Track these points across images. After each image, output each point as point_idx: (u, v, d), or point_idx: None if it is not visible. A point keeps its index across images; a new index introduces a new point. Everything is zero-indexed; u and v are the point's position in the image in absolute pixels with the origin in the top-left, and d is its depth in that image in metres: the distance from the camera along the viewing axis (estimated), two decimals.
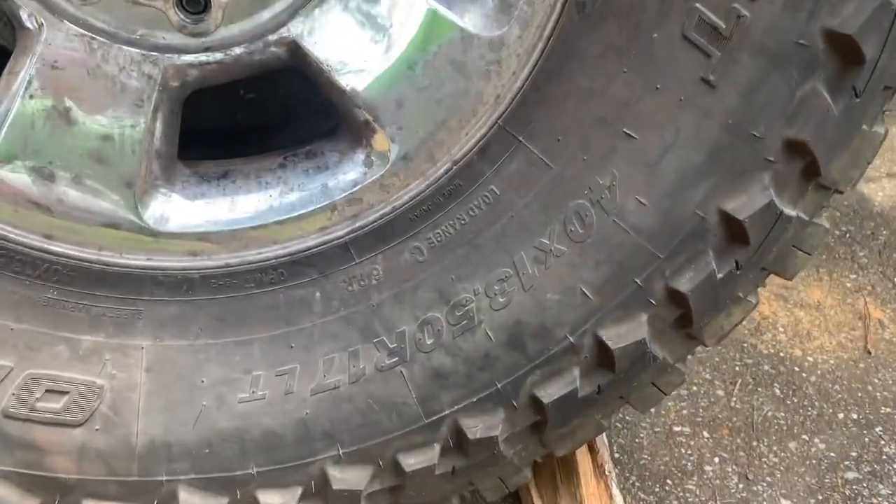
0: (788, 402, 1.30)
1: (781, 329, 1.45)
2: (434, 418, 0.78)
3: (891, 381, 1.35)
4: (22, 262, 0.70)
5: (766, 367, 1.37)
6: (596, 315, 0.76)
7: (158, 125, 0.71)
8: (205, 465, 0.75)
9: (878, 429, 1.25)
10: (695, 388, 1.31)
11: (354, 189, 0.75)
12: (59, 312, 0.71)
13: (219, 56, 0.71)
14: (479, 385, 0.77)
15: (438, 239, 0.75)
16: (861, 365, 1.39)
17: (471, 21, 0.71)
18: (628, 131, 0.70)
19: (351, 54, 0.71)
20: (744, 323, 1.45)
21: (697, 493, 1.13)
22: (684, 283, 0.75)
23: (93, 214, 0.70)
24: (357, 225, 0.75)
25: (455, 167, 0.73)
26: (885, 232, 1.77)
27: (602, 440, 1.02)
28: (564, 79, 0.70)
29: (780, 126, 0.69)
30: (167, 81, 0.71)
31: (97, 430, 0.72)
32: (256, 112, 0.96)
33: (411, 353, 0.76)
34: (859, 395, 1.32)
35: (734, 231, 0.73)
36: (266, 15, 0.70)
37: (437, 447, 0.79)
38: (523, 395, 0.78)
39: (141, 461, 0.73)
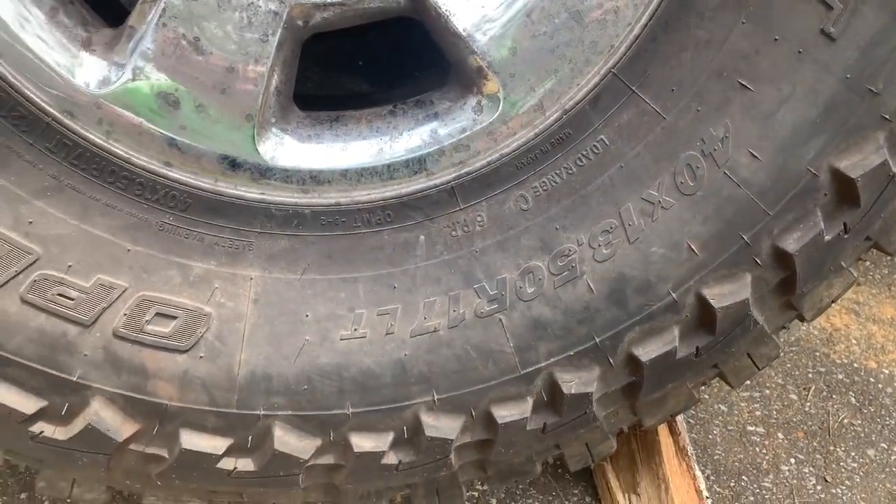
0: (864, 411, 1.27)
1: (854, 341, 1.42)
2: (530, 370, 0.77)
3: None
4: (142, 185, 0.72)
5: (840, 377, 1.33)
6: (700, 272, 0.75)
7: (280, 63, 0.73)
8: (302, 401, 0.75)
9: None
10: (767, 391, 1.28)
11: (462, 136, 0.76)
12: (174, 238, 0.73)
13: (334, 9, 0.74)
14: (577, 338, 0.77)
15: (544, 188, 0.76)
16: None
17: None
18: (744, 83, 0.71)
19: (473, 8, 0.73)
20: (815, 333, 1.42)
21: (774, 490, 1.10)
22: (791, 244, 0.74)
23: (212, 144, 0.72)
24: (463, 171, 0.76)
25: (565, 116, 0.74)
26: None
27: (681, 422, 1.00)
28: (682, 29, 0.71)
29: None
30: (292, 20, 0.73)
31: (201, 357, 0.73)
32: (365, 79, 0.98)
33: (511, 301, 0.76)
34: None
35: (845, 191, 0.72)
36: None
37: (530, 401, 0.78)
38: (621, 353, 0.77)
39: (241, 393, 0.74)
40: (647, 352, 0.77)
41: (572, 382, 0.77)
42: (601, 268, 0.76)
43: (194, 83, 0.71)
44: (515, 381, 0.77)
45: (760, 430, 1.20)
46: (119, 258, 0.71)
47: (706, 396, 1.22)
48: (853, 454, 1.18)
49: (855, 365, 1.37)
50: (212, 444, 0.75)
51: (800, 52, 0.69)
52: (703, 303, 0.76)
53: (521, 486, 1.02)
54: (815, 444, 1.19)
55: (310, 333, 0.75)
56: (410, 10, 0.74)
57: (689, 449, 0.97)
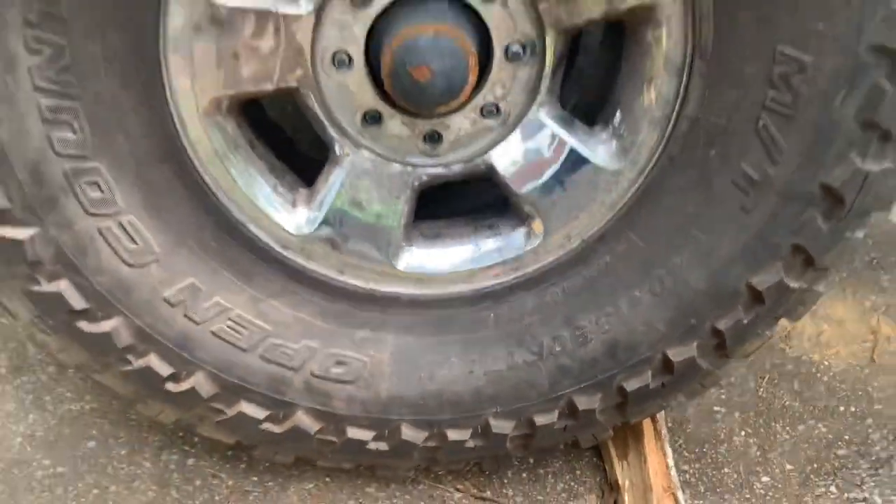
0: (803, 395, 1.73)
1: (807, 338, 1.87)
2: (557, 394, 1.25)
3: (886, 385, 1.76)
4: (327, 286, 1.19)
5: (790, 367, 1.79)
6: (665, 340, 1.21)
7: (406, 208, 1.19)
8: (418, 411, 1.25)
9: (868, 420, 1.67)
10: (733, 379, 1.75)
11: (518, 252, 1.22)
12: (346, 318, 1.21)
13: (443, 169, 1.18)
14: (587, 377, 1.24)
15: (569, 287, 1.22)
16: (866, 370, 1.80)
17: (600, 157, 1.16)
18: (695, 232, 1.15)
19: (524, 173, 1.17)
20: (778, 330, 1.87)
21: (726, 455, 1.58)
22: (723, 325, 1.19)
23: (368, 261, 1.19)
24: (517, 275, 1.22)
25: (583, 245, 1.19)
26: None
27: (660, 415, 1.48)
28: (656, 198, 1.15)
29: (789, 235, 1.12)
30: (414, 182, 1.18)
31: (361, 386, 1.23)
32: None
33: (546, 355, 1.23)
34: (859, 393, 1.73)
35: (756, 296, 1.17)
36: (475, 148, 1.17)
37: (556, 412, 1.26)
38: (614, 386, 1.25)
39: (384, 406, 1.24)
40: (631, 385, 1.24)
41: (583, 402, 1.26)
42: (603, 336, 1.22)
43: (356, 227, 1.18)
44: (548, 402, 1.26)
45: (723, 410, 1.68)
46: (315, 330, 1.20)
47: None
48: (787, 429, 1.65)
49: (803, 358, 1.82)
50: (364, 434, 1.26)
51: (726, 217, 1.13)
52: (666, 358, 1.22)
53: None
54: (760, 421, 1.66)
55: (423, 372, 1.23)
56: (488, 174, 1.19)
57: (664, 433, 1.45)
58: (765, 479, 1.54)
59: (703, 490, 1.50)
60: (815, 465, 1.57)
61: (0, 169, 0.98)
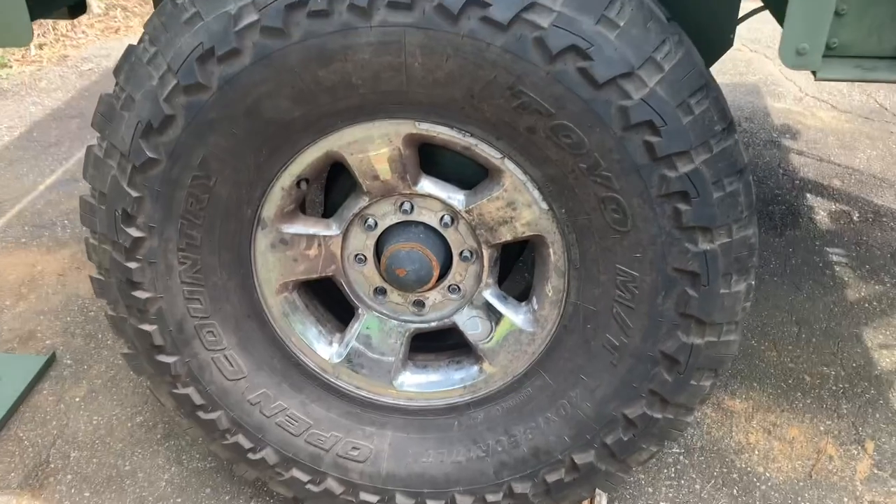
0: (739, 500, 2.17)
1: (757, 452, 2.31)
2: (501, 481, 1.83)
3: (816, 498, 2.17)
4: (348, 397, 1.86)
5: (734, 475, 2.24)
6: (571, 448, 1.77)
7: (402, 349, 1.84)
8: (407, 485, 1.86)
9: None
10: (683, 480, 2.22)
11: (472, 382, 1.83)
12: (359, 418, 1.86)
13: (425, 325, 1.83)
14: (520, 469, 1.81)
15: (506, 406, 1.81)
16: (801, 484, 2.21)
17: (520, 322, 1.76)
18: (583, 376, 1.71)
19: (478, 334, 1.79)
20: (733, 446, 2.31)
21: None
22: (609, 440, 1.74)
23: (376, 382, 1.85)
24: (473, 396, 1.83)
25: (514, 379, 1.79)
26: (872, 391, 2.51)
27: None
28: (557, 352, 1.73)
29: (646, 383, 1.66)
30: (406, 332, 1.83)
31: (368, 464, 1.86)
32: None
33: (496, 449, 1.82)
34: (789, 502, 2.16)
35: (629, 422, 1.71)
36: (445, 312, 1.81)
37: (500, 494, 1.84)
38: (539, 477, 1.81)
39: (384, 479, 1.86)
40: (550, 478, 1.80)
41: (519, 487, 1.82)
42: (529, 442, 1.79)
43: (367, 360, 1.84)
44: (494, 485, 1.83)
45: None
46: (340, 425, 1.86)
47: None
48: None
49: (748, 468, 2.26)
50: (372, 498, 1.89)
51: (602, 368, 1.69)
52: (573, 461, 1.77)
53: None
54: None
55: (410, 458, 1.85)
56: (453, 329, 1.82)
57: None
58: None
59: None
60: None
61: (161, 325, 1.74)
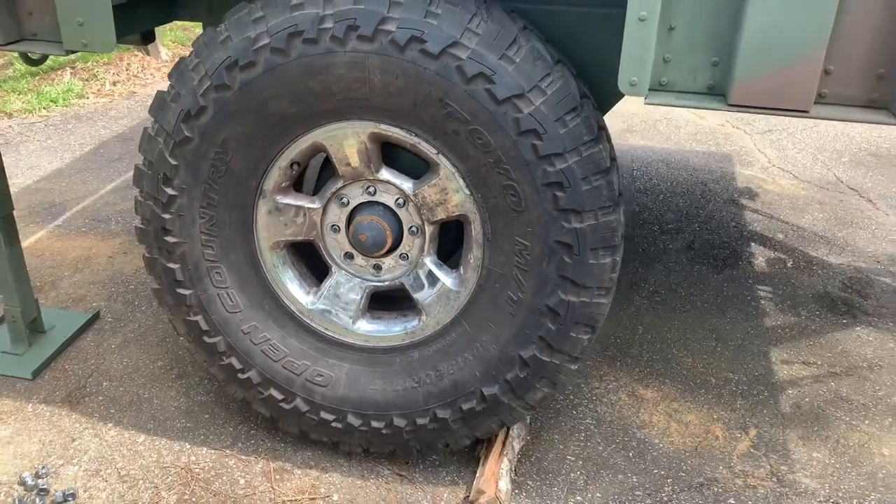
0: (632, 460, 2.65)
1: (656, 429, 2.79)
2: (427, 407, 2.36)
3: (696, 465, 2.64)
4: (318, 335, 2.42)
5: (633, 443, 2.72)
6: (481, 382, 2.30)
7: (362, 302, 2.41)
8: (357, 407, 2.40)
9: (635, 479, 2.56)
10: (590, 443, 2.71)
11: (413, 329, 2.38)
12: (325, 352, 2.42)
13: (382, 283, 2.40)
14: (443, 398, 2.34)
15: (436, 348, 2.35)
16: (686, 453, 2.68)
17: (450, 283, 2.32)
18: (491, 325, 2.26)
19: (420, 293, 2.36)
20: (637, 422, 2.81)
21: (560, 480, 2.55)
22: (509, 377, 2.26)
23: (341, 325, 2.41)
24: (412, 340, 2.38)
25: (443, 327, 2.34)
26: (766, 394, 2.98)
27: (511, 440, 2.50)
28: (475, 306, 2.28)
29: (536, 329, 2.20)
30: (366, 289, 2.41)
31: (329, 388, 2.41)
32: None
33: (426, 381, 2.36)
34: (673, 466, 2.63)
35: (524, 362, 2.24)
36: (396, 275, 2.38)
37: (427, 419, 2.36)
38: (457, 406, 2.33)
39: (340, 401, 2.41)
40: (465, 406, 2.32)
41: (441, 413, 2.35)
42: (451, 376, 2.33)
43: (335, 307, 2.41)
44: (423, 410, 2.36)
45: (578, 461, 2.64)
46: (310, 356, 2.42)
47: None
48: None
49: (646, 441, 2.74)
50: (330, 417, 2.43)
51: (505, 318, 2.23)
52: (482, 393, 2.30)
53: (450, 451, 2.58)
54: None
55: (360, 385, 2.39)
56: (405, 288, 2.39)
57: (507, 451, 2.47)
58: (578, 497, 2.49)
59: (530, 494, 2.49)
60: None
61: (182, 264, 2.34)
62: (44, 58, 2.85)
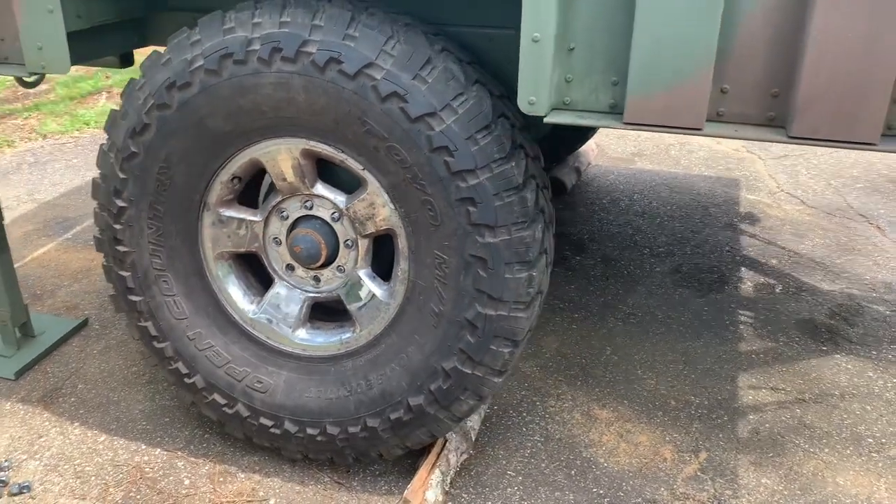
0: (574, 478, 2.65)
1: (604, 449, 2.79)
2: (358, 416, 2.43)
3: (636, 485, 2.62)
4: (259, 343, 2.52)
5: (578, 462, 2.72)
6: (407, 392, 2.35)
7: (302, 313, 2.51)
8: (294, 414, 2.49)
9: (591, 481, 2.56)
10: (534, 460, 2.72)
11: (348, 338, 2.46)
12: (265, 359, 2.52)
13: (320, 294, 2.50)
14: (372, 407, 2.41)
15: (367, 358, 2.42)
16: (629, 473, 2.67)
17: (382, 295, 2.39)
18: (415, 336, 2.32)
19: (355, 304, 2.44)
20: (586, 441, 2.82)
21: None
22: (433, 387, 2.31)
23: (280, 334, 2.51)
24: (345, 350, 2.46)
25: (374, 338, 2.41)
26: (725, 418, 2.94)
27: (447, 451, 2.54)
28: (402, 318, 2.35)
29: (456, 342, 2.25)
30: (307, 300, 2.50)
31: (268, 395, 2.51)
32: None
33: (357, 390, 2.43)
34: (613, 486, 2.62)
35: (446, 374, 2.29)
36: (333, 286, 2.47)
37: (359, 427, 2.43)
38: (385, 416, 2.39)
39: (278, 408, 2.50)
40: (393, 416, 2.38)
41: (371, 422, 2.41)
42: (379, 386, 2.39)
43: (276, 317, 2.52)
44: (354, 419, 2.43)
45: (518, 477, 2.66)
46: (251, 363, 2.52)
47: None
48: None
49: (591, 460, 2.74)
50: (268, 423, 2.52)
51: (428, 330, 2.29)
52: (408, 403, 2.36)
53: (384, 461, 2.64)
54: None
55: (296, 393, 2.48)
56: (340, 300, 2.48)
57: (438, 461, 2.51)
58: None
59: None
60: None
61: (132, 272, 2.49)
62: (38, 80, 3.05)
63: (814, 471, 2.69)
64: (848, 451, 2.77)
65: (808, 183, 5.15)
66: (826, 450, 2.78)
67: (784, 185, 5.09)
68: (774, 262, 4.11)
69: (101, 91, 6.56)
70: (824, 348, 3.38)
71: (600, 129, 5.91)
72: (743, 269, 4.03)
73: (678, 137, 5.92)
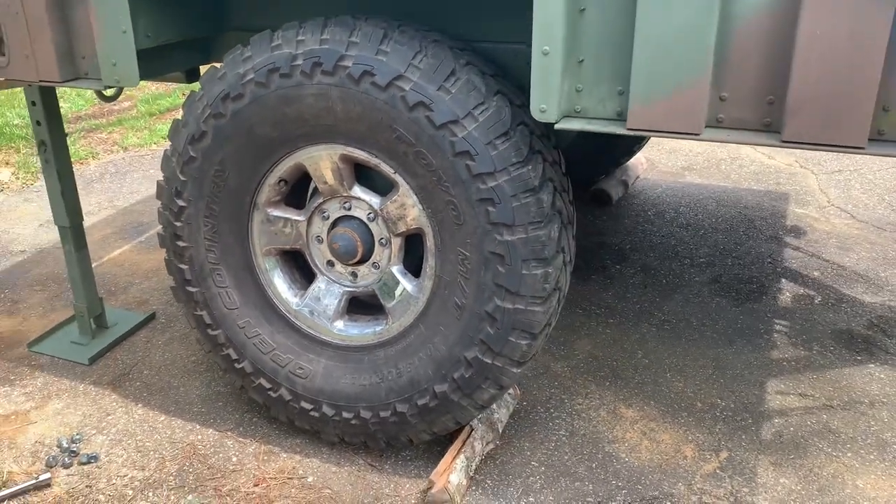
0: (594, 471, 2.77)
1: (626, 445, 2.90)
2: (388, 401, 2.62)
3: (655, 480, 2.73)
4: (301, 332, 2.75)
5: (599, 456, 2.84)
6: (433, 380, 2.53)
7: (341, 306, 2.72)
8: (331, 398, 2.70)
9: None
10: (557, 453, 2.86)
11: (381, 329, 2.66)
12: (306, 347, 2.74)
13: (357, 289, 2.71)
14: (402, 393, 2.60)
15: (398, 348, 2.62)
16: (648, 468, 2.78)
17: (412, 290, 2.59)
18: (441, 328, 2.50)
19: (388, 296, 2.65)
20: (609, 437, 2.95)
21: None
22: (456, 376, 2.49)
23: (321, 325, 2.73)
24: (379, 340, 2.66)
25: (405, 329, 2.60)
26: (749, 420, 3.01)
27: (474, 439, 2.71)
28: (430, 311, 2.53)
29: (477, 333, 2.42)
30: (345, 294, 2.72)
31: (308, 381, 2.73)
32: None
33: (388, 377, 2.63)
34: (633, 479, 2.73)
35: (468, 363, 2.46)
36: (369, 282, 2.68)
37: (389, 412, 2.62)
38: (413, 401, 2.58)
39: (317, 392, 2.71)
40: (420, 402, 2.57)
41: (400, 407, 2.60)
42: (408, 374, 2.58)
43: (317, 309, 2.74)
44: (385, 404, 2.62)
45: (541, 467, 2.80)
46: (294, 350, 2.75)
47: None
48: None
49: (613, 455, 2.85)
50: (308, 406, 2.74)
51: (452, 321, 2.47)
52: (434, 390, 2.54)
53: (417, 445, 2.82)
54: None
55: (334, 378, 2.70)
56: (376, 294, 2.68)
57: (464, 448, 2.67)
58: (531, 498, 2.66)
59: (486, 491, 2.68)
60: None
61: (190, 265, 2.76)
62: (116, 94, 3.38)
63: (834, 473, 2.73)
64: (871, 457, 2.81)
65: (859, 198, 5.11)
66: (849, 454, 2.82)
67: (835, 200, 5.08)
68: (816, 273, 4.13)
69: (178, 108, 7.02)
70: (859, 358, 3.40)
71: (651, 144, 6.00)
72: (783, 280, 4.07)
73: (730, 152, 5.95)
